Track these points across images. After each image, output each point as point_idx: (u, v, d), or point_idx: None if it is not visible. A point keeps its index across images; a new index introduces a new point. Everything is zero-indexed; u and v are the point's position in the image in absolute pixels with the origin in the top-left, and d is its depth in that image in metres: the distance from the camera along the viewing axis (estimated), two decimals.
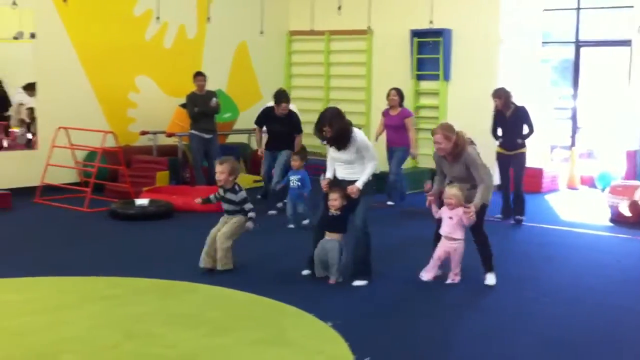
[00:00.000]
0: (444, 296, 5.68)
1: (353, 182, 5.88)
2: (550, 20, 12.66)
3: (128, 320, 4.91)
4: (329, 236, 5.92)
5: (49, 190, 9.55)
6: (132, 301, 5.34)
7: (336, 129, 5.75)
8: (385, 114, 9.82)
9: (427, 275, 5.96)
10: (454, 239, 5.87)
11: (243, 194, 6.20)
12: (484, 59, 11.32)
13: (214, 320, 4.94)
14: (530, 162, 11.80)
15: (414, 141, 9.65)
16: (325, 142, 5.96)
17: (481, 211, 5.89)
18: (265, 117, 9.15)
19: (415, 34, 11.78)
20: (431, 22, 10.15)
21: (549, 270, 6.70)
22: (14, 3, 7.72)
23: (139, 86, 11.21)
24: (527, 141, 8.79)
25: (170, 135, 10.77)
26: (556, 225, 8.84)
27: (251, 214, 6.20)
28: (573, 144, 12.46)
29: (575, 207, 10.25)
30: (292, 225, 8.09)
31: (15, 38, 9.82)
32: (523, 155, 8.81)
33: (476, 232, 5.99)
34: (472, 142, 5.84)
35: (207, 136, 9.97)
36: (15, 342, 4.45)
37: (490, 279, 5.97)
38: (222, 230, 6.13)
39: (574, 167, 12.03)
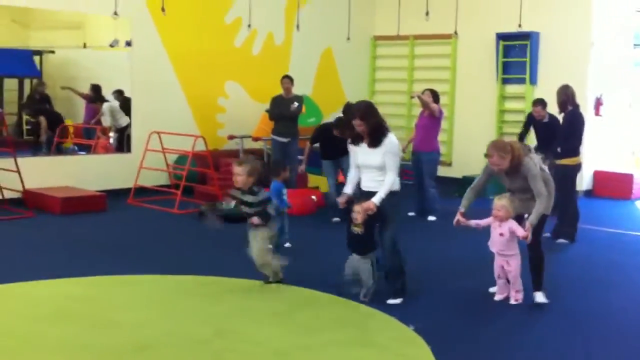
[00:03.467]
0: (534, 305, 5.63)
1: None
2: None
3: (219, 317, 5.09)
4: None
5: (142, 192, 9.93)
6: (222, 299, 5.52)
7: (371, 123, 5.37)
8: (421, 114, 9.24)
9: (498, 295, 5.68)
10: (507, 255, 5.55)
11: (263, 194, 5.85)
12: (573, 63, 11.10)
13: (301, 320, 5.07)
14: (620, 167, 11.59)
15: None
16: (351, 142, 5.53)
17: (539, 224, 5.48)
18: (322, 137, 8.84)
19: (501, 37, 11.67)
20: (519, 25, 10.05)
21: None
22: (115, 13, 8.07)
23: (228, 92, 11.52)
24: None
25: (256, 139, 11.02)
26: None
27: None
28: None
29: None
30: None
31: (111, 46, 10.26)
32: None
33: (531, 245, 5.58)
34: (529, 151, 5.61)
35: (282, 139, 9.85)
36: (117, 334, 4.69)
37: (540, 297, 5.61)
38: (254, 253, 5.79)
39: None
